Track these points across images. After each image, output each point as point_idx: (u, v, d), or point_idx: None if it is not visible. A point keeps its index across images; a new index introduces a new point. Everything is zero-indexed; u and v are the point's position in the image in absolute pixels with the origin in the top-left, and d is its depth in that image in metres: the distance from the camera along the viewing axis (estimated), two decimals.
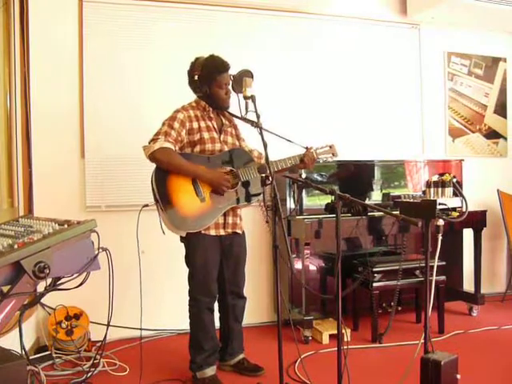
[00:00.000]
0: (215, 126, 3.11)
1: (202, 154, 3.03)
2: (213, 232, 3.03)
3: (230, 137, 3.18)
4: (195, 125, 3.03)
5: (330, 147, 3.26)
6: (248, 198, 3.07)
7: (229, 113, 3.21)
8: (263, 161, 3.24)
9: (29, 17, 3.75)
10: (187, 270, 3.10)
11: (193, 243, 3.02)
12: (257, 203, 3.22)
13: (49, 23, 3.83)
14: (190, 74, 3.09)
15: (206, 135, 3.04)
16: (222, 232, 3.07)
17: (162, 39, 4.10)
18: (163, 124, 2.99)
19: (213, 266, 3.07)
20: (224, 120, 3.19)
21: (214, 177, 2.95)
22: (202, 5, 4.19)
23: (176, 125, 2.97)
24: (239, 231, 3.17)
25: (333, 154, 3.27)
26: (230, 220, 3.10)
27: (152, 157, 2.90)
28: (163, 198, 2.87)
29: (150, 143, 2.93)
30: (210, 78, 3.03)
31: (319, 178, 4.17)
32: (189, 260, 3.08)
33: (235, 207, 3.08)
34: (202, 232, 2.98)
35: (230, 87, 3.09)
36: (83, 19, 3.91)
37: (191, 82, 3.11)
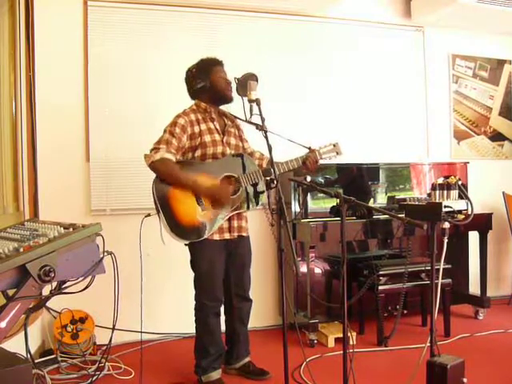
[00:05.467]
0: (217, 128, 3.10)
1: (204, 157, 3.02)
2: (216, 236, 3.02)
3: (233, 138, 3.17)
4: (196, 129, 3.03)
5: (334, 146, 3.19)
6: (250, 203, 3.07)
7: (232, 114, 3.21)
8: (265, 162, 3.26)
9: (34, 21, 3.76)
10: (193, 273, 3.10)
11: (197, 249, 3.02)
12: (261, 207, 3.21)
13: (54, 27, 3.85)
14: (188, 74, 3.13)
15: (207, 138, 3.02)
16: (226, 236, 3.06)
17: (166, 42, 4.12)
18: (164, 131, 2.99)
19: (218, 271, 3.07)
20: (226, 120, 3.19)
21: (212, 191, 2.94)
22: (206, 8, 4.19)
23: (177, 130, 2.96)
24: (245, 234, 3.17)
25: (337, 153, 3.19)
26: (235, 224, 3.10)
27: (152, 167, 2.91)
28: (164, 209, 2.88)
29: (151, 152, 2.93)
30: (206, 70, 3.07)
31: (324, 181, 4.16)
32: (194, 265, 3.08)
33: (238, 213, 3.08)
34: (207, 236, 2.97)
35: (230, 81, 3.08)
36: (88, 23, 3.93)
37: (190, 82, 3.12)
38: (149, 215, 2.90)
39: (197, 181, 2.94)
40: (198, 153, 3.02)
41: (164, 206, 2.88)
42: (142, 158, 2.96)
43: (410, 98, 4.87)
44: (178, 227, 2.88)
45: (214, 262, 3.03)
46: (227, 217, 3.01)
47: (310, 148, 3.16)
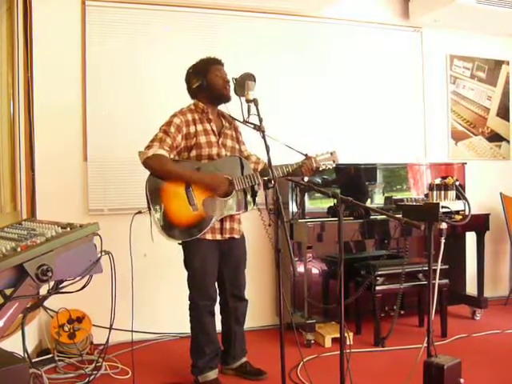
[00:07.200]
0: (214, 129, 3.09)
1: (199, 158, 3.02)
2: (209, 236, 3.02)
3: (229, 140, 3.17)
4: (192, 129, 3.02)
5: (331, 154, 3.17)
6: (243, 206, 3.07)
7: (230, 116, 3.20)
8: (260, 166, 3.26)
9: (32, 21, 3.76)
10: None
11: (190, 248, 3.02)
12: (256, 208, 3.21)
13: (52, 27, 3.85)
14: (187, 73, 3.14)
15: (202, 139, 3.02)
16: (218, 237, 3.06)
17: (163, 42, 4.12)
18: (159, 129, 2.98)
19: (211, 270, 3.07)
20: (224, 122, 3.18)
21: (211, 179, 2.94)
22: (204, 8, 4.19)
23: (172, 129, 2.95)
24: (236, 236, 3.16)
25: (333, 161, 3.17)
26: (227, 225, 3.09)
27: (145, 163, 2.91)
28: (156, 206, 2.87)
29: (145, 149, 2.93)
30: (204, 69, 3.07)
31: (321, 181, 4.16)
32: (187, 264, 3.08)
33: (231, 214, 3.07)
34: (198, 236, 2.96)
35: (228, 80, 3.07)
36: (86, 23, 3.92)
37: (188, 81, 3.13)
38: (140, 212, 2.89)
39: (192, 171, 2.95)
40: (193, 153, 3.02)
41: (155, 203, 2.88)
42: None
43: (408, 99, 4.87)
44: (169, 226, 2.88)
45: (206, 260, 3.03)
46: (219, 218, 3.00)
47: (306, 155, 3.14)
